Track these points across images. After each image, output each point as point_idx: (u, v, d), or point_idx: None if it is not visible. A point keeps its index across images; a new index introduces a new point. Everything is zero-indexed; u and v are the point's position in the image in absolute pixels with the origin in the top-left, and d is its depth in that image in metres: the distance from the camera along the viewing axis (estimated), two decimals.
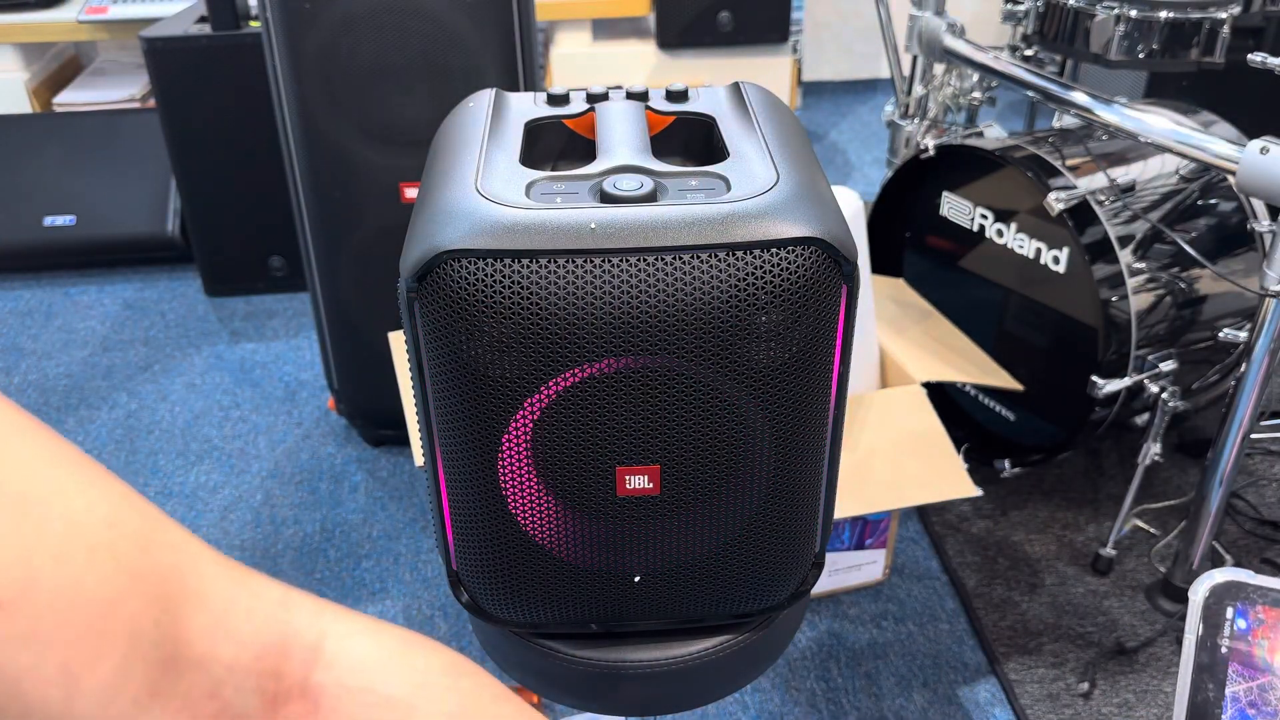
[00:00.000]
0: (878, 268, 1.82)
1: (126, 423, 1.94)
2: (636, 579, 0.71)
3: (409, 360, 0.66)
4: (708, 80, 2.79)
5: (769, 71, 2.80)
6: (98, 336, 2.22)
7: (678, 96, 0.78)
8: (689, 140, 0.77)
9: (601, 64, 2.79)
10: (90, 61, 3.05)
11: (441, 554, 0.75)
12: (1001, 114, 3.18)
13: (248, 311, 2.31)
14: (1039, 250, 1.51)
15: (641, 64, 2.78)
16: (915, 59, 1.81)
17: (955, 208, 1.65)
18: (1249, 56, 1.17)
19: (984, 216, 1.60)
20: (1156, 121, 1.39)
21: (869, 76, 3.58)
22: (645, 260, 0.59)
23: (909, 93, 1.84)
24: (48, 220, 2.39)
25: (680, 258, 0.60)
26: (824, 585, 1.50)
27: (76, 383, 2.06)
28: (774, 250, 0.60)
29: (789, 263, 0.60)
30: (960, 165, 1.62)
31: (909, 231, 1.78)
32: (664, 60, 2.77)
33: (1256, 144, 1.23)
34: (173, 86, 2.11)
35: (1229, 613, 0.41)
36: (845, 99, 3.48)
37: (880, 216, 1.78)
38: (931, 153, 1.60)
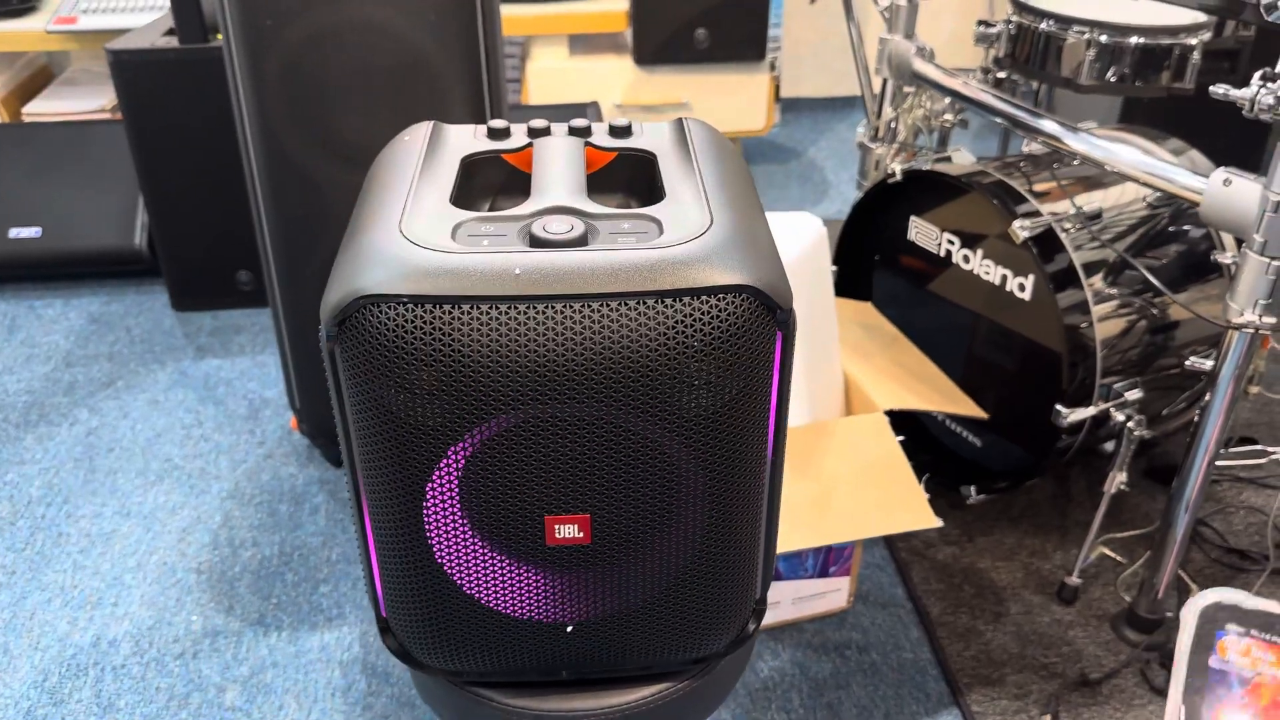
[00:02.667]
0: (848, 289, 1.80)
1: (86, 440, 1.91)
2: (569, 628, 0.69)
3: (333, 404, 0.64)
4: (685, 97, 2.78)
5: (746, 88, 2.79)
6: (61, 351, 2.19)
7: (620, 132, 0.77)
8: (631, 178, 0.76)
9: (578, 79, 2.77)
10: (61, 71, 3.02)
11: (370, 599, 0.73)
12: (977, 135, 3.18)
13: (214, 327, 2.28)
14: (1005, 277, 1.50)
15: (618, 80, 2.76)
16: (885, 81, 1.81)
17: (923, 232, 1.64)
18: (1211, 89, 1.16)
19: (950, 242, 1.59)
20: (1123, 150, 1.38)
21: (848, 94, 3.57)
22: (571, 307, 0.58)
23: (879, 115, 1.83)
24: (13, 232, 2.35)
25: (608, 304, 0.58)
26: (787, 613, 1.48)
27: (37, 399, 2.03)
28: (704, 298, 0.59)
29: (720, 311, 0.59)
30: (927, 190, 1.61)
31: (878, 254, 1.77)
32: (640, 76, 2.76)
33: (1220, 175, 1.22)
34: (140, 99, 2.09)
35: (1219, 632, 0.40)
36: (824, 116, 3.47)
37: (850, 239, 1.77)
38: (899, 178, 1.59)
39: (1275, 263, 1.18)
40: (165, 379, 2.09)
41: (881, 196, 1.67)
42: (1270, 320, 1.22)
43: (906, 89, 1.81)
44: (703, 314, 0.59)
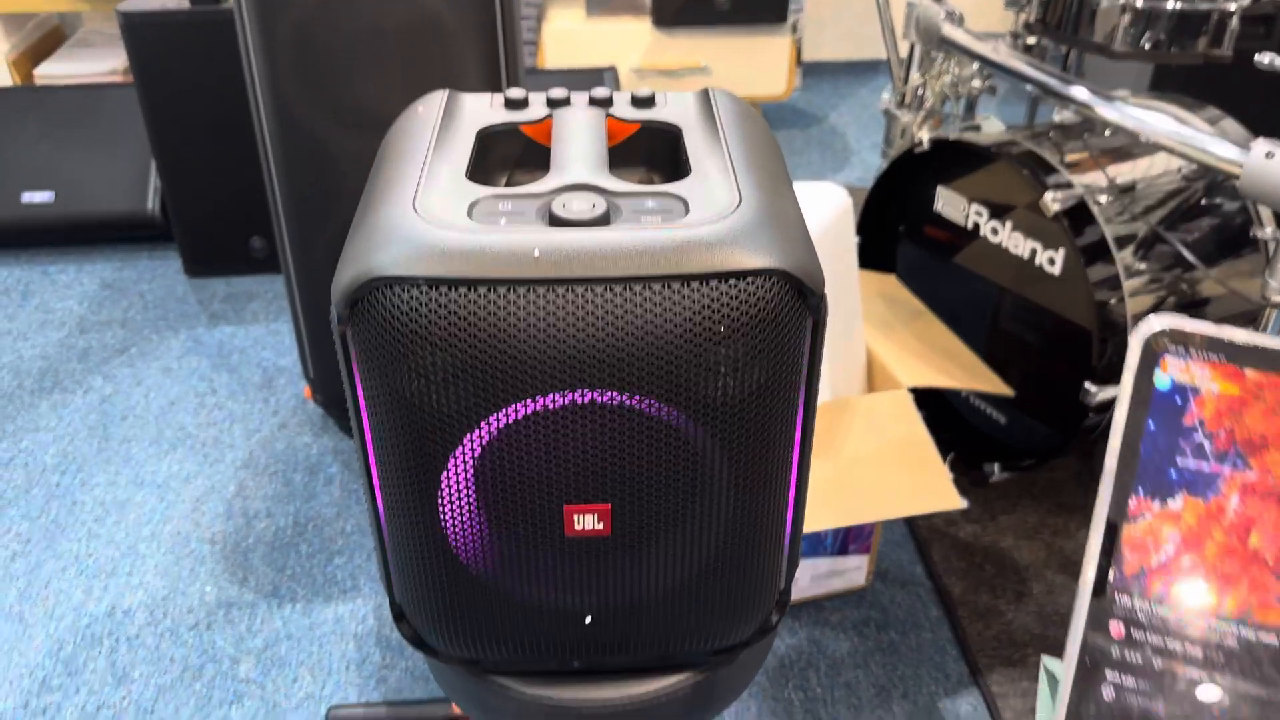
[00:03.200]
0: (870, 261, 1.77)
1: (101, 408, 1.90)
2: (588, 619, 0.67)
3: (345, 388, 0.61)
4: (704, 61, 2.73)
5: (766, 51, 2.74)
6: (75, 317, 2.18)
7: (643, 103, 0.73)
8: (654, 151, 0.72)
9: (595, 42, 2.72)
10: (73, 32, 2.99)
11: (384, 585, 0.71)
12: (1004, 101, 3.11)
13: (228, 293, 2.26)
14: (1034, 250, 1.46)
15: (636, 42, 2.71)
16: (913, 46, 1.76)
17: (950, 203, 1.60)
18: (1255, 58, 1.12)
19: (979, 213, 1.55)
20: (1158, 120, 1.33)
21: (871, 58, 3.51)
22: (593, 290, 0.55)
23: (906, 81, 1.78)
24: (25, 197, 2.34)
25: (631, 288, 0.55)
26: (805, 591, 1.46)
27: (52, 365, 2.02)
28: (732, 282, 0.56)
29: (749, 295, 0.56)
30: (955, 160, 1.57)
31: (903, 225, 1.73)
32: (659, 39, 2.70)
33: (1261, 147, 1.18)
34: (151, 62, 2.06)
35: (1163, 357, 0.48)
36: (846, 80, 3.41)
37: (874, 209, 1.73)
38: (926, 147, 1.55)
39: None
40: (179, 346, 2.08)
41: (908, 166, 1.63)
42: None
43: (934, 54, 1.76)
44: (731, 298, 0.56)
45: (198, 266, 2.30)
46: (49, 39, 2.91)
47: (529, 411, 0.58)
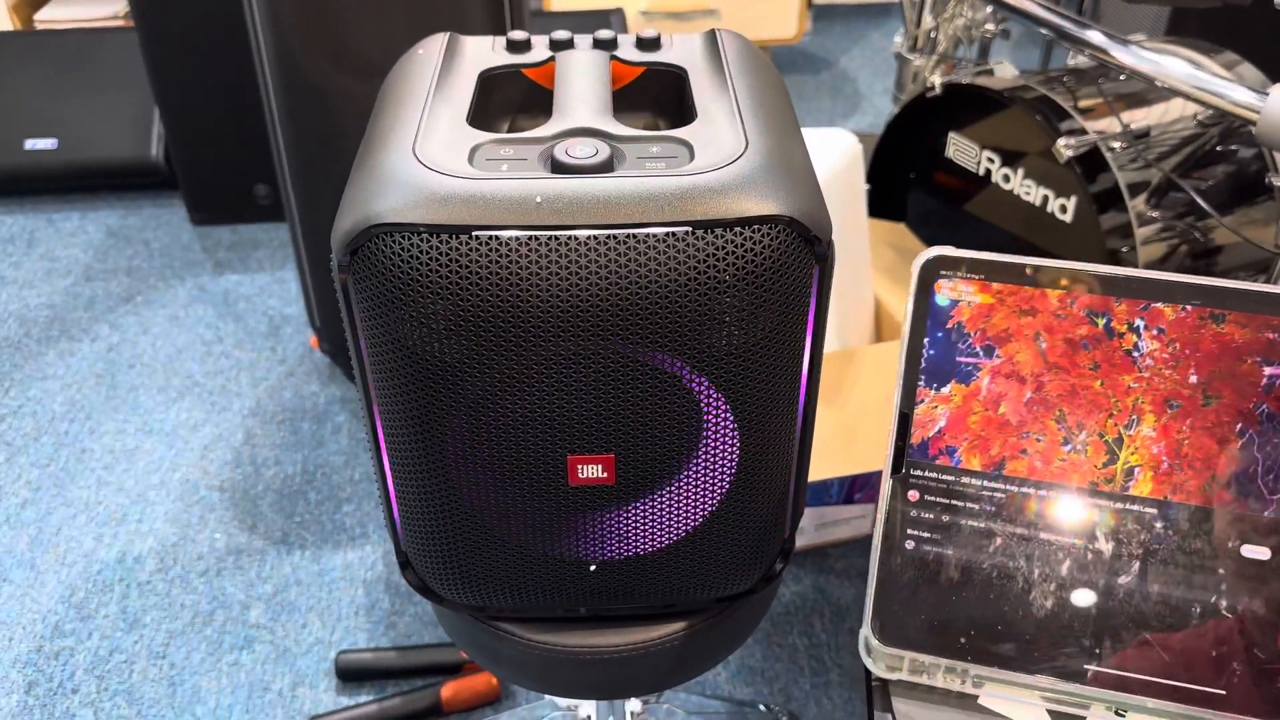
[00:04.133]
0: (880, 208, 1.75)
1: (108, 356, 1.90)
2: (593, 567, 0.67)
3: (348, 337, 0.61)
4: (714, 4, 2.68)
5: None
6: (80, 265, 2.17)
7: (649, 45, 0.72)
8: (660, 94, 0.71)
9: None
10: None
11: (390, 533, 0.71)
12: (1018, 45, 3.06)
13: (233, 241, 2.25)
14: (1046, 197, 1.44)
15: None
16: None
17: (961, 149, 1.57)
18: (1276, 0, 1.09)
19: (990, 160, 1.52)
20: (1173, 64, 1.30)
21: (883, 0, 3.45)
22: (596, 239, 0.54)
23: (918, 24, 1.75)
24: (28, 144, 2.32)
25: (635, 236, 0.54)
26: (811, 539, 1.47)
27: (58, 313, 2.02)
28: (738, 229, 0.55)
29: (755, 242, 0.55)
30: (967, 105, 1.54)
31: (914, 172, 1.71)
32: None
33: (1279, 93, 1.15)
34: (151, 4, 2.03)
35: (937, 280, 0.62)
36: (858, 24, 3.36)
37: (884, 155, 1.71)
38: (938, 92, 1.52)
39: None
40: (185, 294, 2.07)
41: (919, 111, 1.61)
42: None
43: None
44: (736, 246, 0.55)
45: (202, 214, 2.29)
46: None
47: (531, 361, 0.57)
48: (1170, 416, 0.60)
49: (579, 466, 0.62)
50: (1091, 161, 1.37)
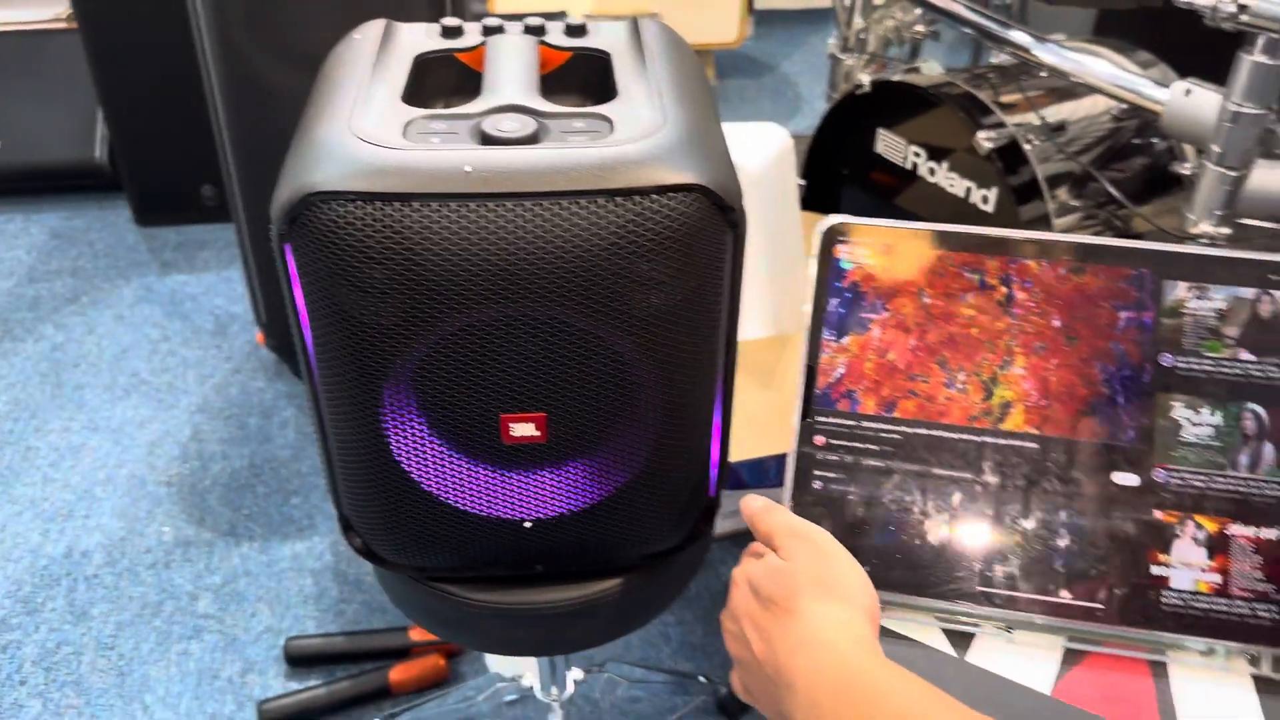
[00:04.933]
0: (817, 204, 1.80)
1: (52, 355, 1.90)
2: (527, 525, 0.71)
3: (287, 304, 0.64)
4: (657, 10, 2.73)
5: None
6: (24, 266, 2.16)
7: (576, 31, 0.76)
8: (586, 77, 0.75)
9: None
10: None
11: (333, 499, 0.74)
12: (953, 48, 3.15)
13: (179, 242, 2.25)
14: (969, 189, 1.50)
15: None
16: None
17: (890, 145, 1.63)
18: None
19: (917, 155, 1.58)
20: (1089, 61, 1.37)
21: (824, 6, 3.51)
22: (523, 205, 0.58)
23: (849, 25, 1.81)
24: None
25: (559, 203, 0.58)
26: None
27: (1, 314, 2.01)
28: (654, 197, 0.59)
29: (670, 210, 0.59)
30: (895, 102, 1.60)
31: (847, 168, 1.76)
32: None
33: (1181, 86, 1.22)
34: (94, 5, 2.03)
35: (835, 244, 0.70)
36: (800, 29, 3.43)
37: (818, 152, 1.76)
38: (867, 89, 1.58)
39: (1232, 173, 1.19)
40: (130, 295, 2.07)
41: (850, 109, 1.66)
42: (1225, 231, 1.23)
43: None
44: (653, 213, 0.59)
45: (148, 215, 2.29)
46: None
47: (463, 323, 0.61)
48: (1037, 356, 0.67)
49: (512, 425, 0.66)
50: (1011, 154, 1.43)
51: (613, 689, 1.28)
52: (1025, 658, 0.64)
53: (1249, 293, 0.66)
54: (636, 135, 0.61)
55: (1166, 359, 0.67)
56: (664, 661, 1.36)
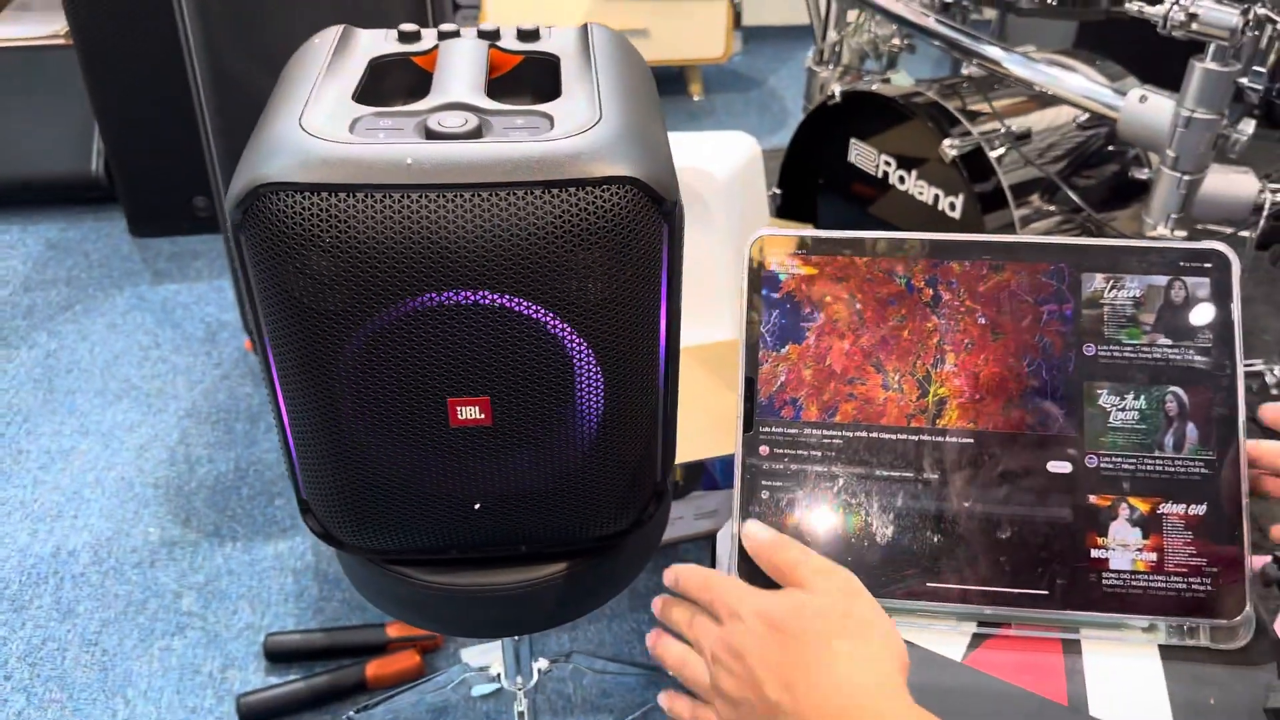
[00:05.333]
0: (793, 212, 1.84)
1: (45, 362, 1.94)
2: (477, 506, 0.74)
3: (243, 292, 0.67)
4: (644, 24, 2.78)
5: (703, 14, 2.79)
6: (19, 276, 2.20)
7: (528, 36, 0.79)
8: (537, 80, 0.78)
9: (538, 5, 2.76)
10: None
11: (291, 482, 0.77)
12: (936, 61, 3.19)
13: (172, 252, 2.29)
14: (937, 196, 1.54)
15: (577, 6, 2.76)
16: (829, 4, 1.82)
17: (862, 154, 1.67)
18: (1125, 5, 1.19)
19: (888, 163, 1.62)
20: (1051, 72, 1.41)
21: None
22: (462, 196, 0.61)
23: (824, 38, 1.85)
24: None
25: (497, 194, 0.61)
26: (726, 519, 1.54)
27: None
28: (589, 189, 0.62)
29: (605, 201, 0.62)
30: (866, 112, 1.64)
31: (822, 178, 1.80)
32: (600, 3, 2.75)
33: (1136, 93, 1.26)
34: (90, 23, 2.08)
35: (766, 257, 0.71)
36: (786, 45, 3.47)
37: (794, 162, 1.80)
38: (838, 99, 1.61)
39: (1186, 177, 1.23)
40: (123, 303, 2.11)
41: (823, 119, 1.70)
42: (1181, 234, 1.27)
43: (850, 12, 1.82)
44: (588, 204, 0.62)
45: (142, 226, 2.33)
46: None
47: (408, 309, 0.64)
48: (967, 353, 0.70)
49: (458, 409, 0.69)
50: (976, 162, 1.47)
51: (580, 680, 1.30)
52: (937, 634, 0.67)
53: (1161, 280, 0.69)
54: (573, 130, 0.64)
55: (1089, 348, 0.69)
56: (637, 657, 1.38)
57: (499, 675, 1.12)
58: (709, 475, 1.45)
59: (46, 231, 2.36)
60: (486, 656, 1.22)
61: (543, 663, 1.11)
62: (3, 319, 2.06)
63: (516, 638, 1.06)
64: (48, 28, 2.71)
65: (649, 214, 0.64)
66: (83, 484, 1.65)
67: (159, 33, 2.07)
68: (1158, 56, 1.83)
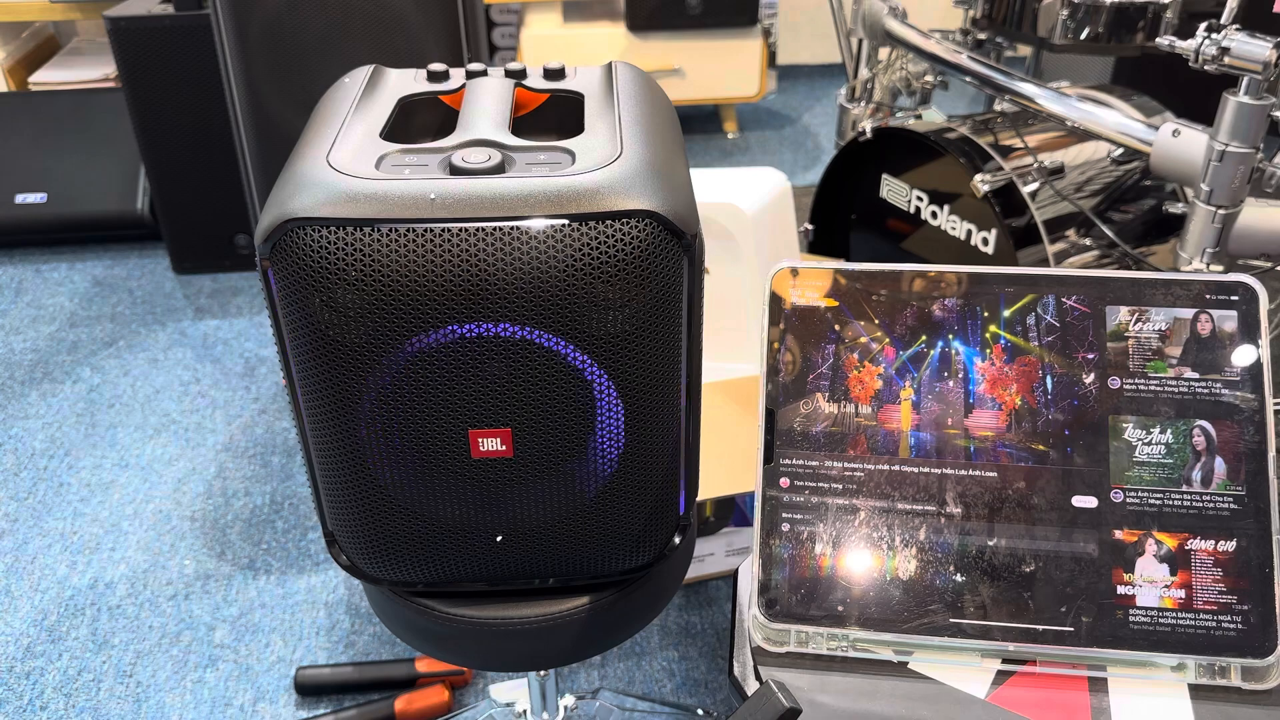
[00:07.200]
0: (825, 248, 1.84)
1: (89, 396, 1.97)
2: (499, 539, 0.74)
3: (271, 325, 0.69)
4: (678, 63, 2.81)
5: (738, 54, 2.82)
6: (66, 312, 2.25)
7: (554, 75, 0.81)
8: (562, 117, 0.80)
9: (571, 45, 2.81)
10: (68, 41, 3.08)
11: (319, 515, 0.78)
12: (973, 98, 3.19)
13: (214, 289, 2.34)
14: (970, 232, 1.53)
15: (611, 45, 2.79)
16: (860, 41, 1.83)
17: (894, 190, 1.67)
18: (1157, 40, 1.19)
19: (920, 199, 1.62)
20: (1084, 106, 1.40)
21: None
22: (484, 230, 0.62)
23: (855, 75, 1.86)
24: (19, 198, 2.42)
25: (519, 228, 0.62)
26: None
27: (42, 357, 2.10)
28: (609, 222, 0.63)
29: (625, 234, 0.63)
30: (898, 148, 1.64)
31: (855, 214, 1.80)
32: (634, 43, 2.78)
33: (1169, 127, 1.25)
34: (138, 66, 2.14)
35: (789, 289, 0.73)
36: (821, 82, 3.49)
37: (826, 199, 1.80)
38: (869, 136, 1.62)
39: (1221, 211, 1.21)
40: (165, 339, 2.15)
41: (855, 156, 1.70)
42: (1218, 269, 1.25)
43: (881, 49, 1.83)
44: (609, 238, 0.63)
45: (185, 264, 2.38)
46: (44, 47, 3.00)
47: (431, 341, 0.65)
48: (990, 385, 0.69)
49: (480, 440, 0.69)
50: (1009, 197, 1.46)
51: (607, 717, 1.29)
52: (960, 670, 0.66)
53: (1187, 313, 0.68)
54: (593, 165, 0.65)
55: (1114, 382, 0.69)
56: (667, 696, 1.37)
57: (525, 712, 1.11)
58: (740, 512, 1.45)
59: (93, 269, 2.42)
60: (514, 693, 1.21)
61: (569, 699, 1.11)
62: (49, 354, 2.10)
63: (543, 674, 1.05)
64: (98, 71, 2.79)
65: (669, 247, 0.65)
66: (121, 516, 1.68)
67: (203, 77, 2.14)
68: (1198, 91, 1.82)
